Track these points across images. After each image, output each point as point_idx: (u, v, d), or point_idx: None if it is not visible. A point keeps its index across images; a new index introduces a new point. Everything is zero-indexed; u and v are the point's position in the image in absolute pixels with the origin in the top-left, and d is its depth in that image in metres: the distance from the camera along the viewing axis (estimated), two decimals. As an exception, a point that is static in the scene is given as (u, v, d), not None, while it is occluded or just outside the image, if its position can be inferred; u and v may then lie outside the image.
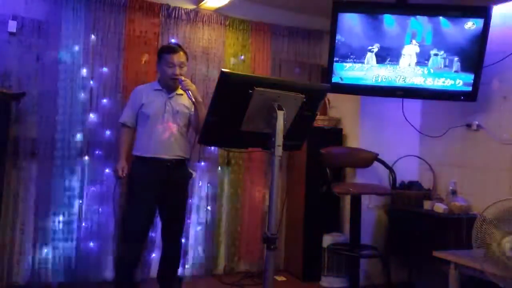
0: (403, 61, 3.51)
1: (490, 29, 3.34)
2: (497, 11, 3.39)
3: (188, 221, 3.87)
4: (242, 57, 4.09)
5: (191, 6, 3.90)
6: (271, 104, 1.80)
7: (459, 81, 3.48)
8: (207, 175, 3.97)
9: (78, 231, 3.52)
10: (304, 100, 1.89)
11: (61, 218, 3.45)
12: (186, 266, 3.87)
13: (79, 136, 3.51)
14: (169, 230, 3.13)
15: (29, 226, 3.40)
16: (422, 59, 3.50)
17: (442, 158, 3.89)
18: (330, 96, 4.19)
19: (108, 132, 3.57)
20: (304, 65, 4.36)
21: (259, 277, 3.90)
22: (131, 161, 3.10)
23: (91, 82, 3.56)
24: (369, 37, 3.52)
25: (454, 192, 3.58)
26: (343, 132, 4.18)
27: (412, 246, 3.57)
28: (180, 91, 3.11)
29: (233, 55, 4.06)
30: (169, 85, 3.07)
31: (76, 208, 3.51)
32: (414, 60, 3.50)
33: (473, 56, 3.41)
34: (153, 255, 3.68)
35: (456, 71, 3.45)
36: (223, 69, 1.84)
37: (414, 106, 3.99)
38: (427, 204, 3.57)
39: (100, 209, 3.58)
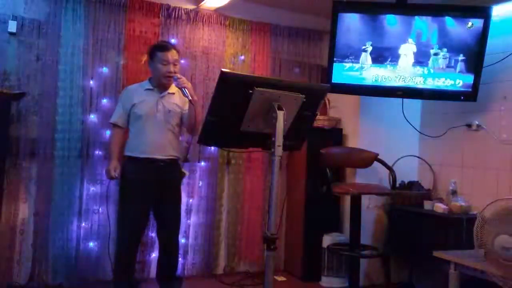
0: (402, 61, 3.51)
1: (490, 29, 3.33)
2: (497, 11, 3.39)
3: (188, 221, 3.88)
4: (242, 57, 4.09)
5: (191, 6, 3.90)
6: (271, 104, 1.80)
7: (459, 81, 3.48)
8: (207, 175, 3.97)
9: (78, 231, 3.52)
10: (304, 100, 1.89)
11: (61, 218, 3.45)
12: (186, 266, 3.88)
13: (79, 136, 3.51)
14: (165, 230, 3.11)
15: (29, 226, 3.40)
16: (422, 59, 3.50)
17: (442, 158, 3.89)
18: (330, 96, 4.19)
19: (108, 132, 3.57)
20: (304, 65, 4.36)
21: (259, 277, 3.90)
22: (123, 161, 3.06)
23: (91, 82, 3.56)
24: (369, 37, 3.52)
25: (454, 192, 3.58)
26: (343, 132, 4.18)
27: (412, 246, 3.57)
28: (172, 90, 3.09)
29: (233, 55, 4.06)
30: (162, 84, 3.03)
31: (76, 208, 3.51)
32: (412, 60, 3.50)
33: (473, 56, 3.41)
34: (153, 255, 3.69)
35: (460, 72, 3.45)
36: (223, 69, 1.84)
37: (414, 106, 3.99)
38: (427, 204, 3.57)
39: (99, 209, 3.57)
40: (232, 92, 1.81)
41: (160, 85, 3.05)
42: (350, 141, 4.10)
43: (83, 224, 3.54)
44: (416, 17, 3.47)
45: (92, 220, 3.56)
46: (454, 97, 3.53)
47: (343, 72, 3.57)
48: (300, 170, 4.07)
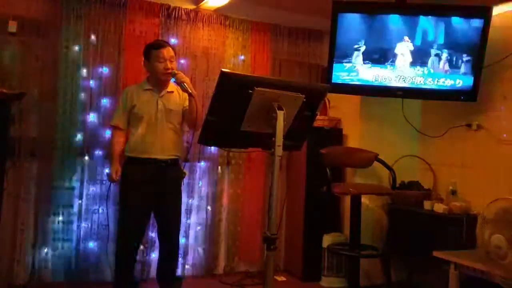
0: (399, 60, 3.51)
1: (490, 29, 3.33)
2: (497, 11, 3.39)
3: (188, 221, 3.88)
4: (242, 57, 4.09)
5: (191, 6, 3.89)
6: (271, 104, 1.80)
7: (459, 81, 3.48)
8: (207, 175, 3.97)
9: (78, 231, 3.52)
10: (304, 100, 1.89)
11: (61, 218, 3.45)
12: (186, 266, 3.88)
13: (79, 136, 3.51)
14: (166, 230, 3.11)
15: (29, 226, 3.40)
16: (422, 59, 3.49)
17: (442, 158, 3.89)
18: (330, 96, 4.19)
19: (108, 132, 3.57)
20: (304, 65, 4.36)
21: (259, 277, 3.90)
22: (123, 162, 3.05)
23: (91, 82, 3.56)
24: (369, 37, 3.52)
25: (454, 192, 3.58)
26: (343, 132, 4.18)
27: (412, 246, 3.57)
28: (170, 88, 3.08)
29: (233, 55, 4.06)
30: (161, 81, 3.02)
31: (76, 208, 3.51)
32: (410, 59, 3.50)
33: (473, 56, 3.41)
34: (153, 255, 3.69)
35: (460, 71, 3.45)
36: (223, 69, 1.83)
37: (414, 106, 3.99)
38: (427, 204, 3.57)
39: (100, 209, 3.58)
40: (232, 92, 1.81)
41: (159, 83, 3.04)
42: (350, 141, 4.10)
43: (83, 224, 3.54)
44: (416, 17, 3.47)
45: (92, 220, 3.56)
46: (454, 97, 3.53)
47: (343, 72, 3.57)
48: (300, 170, 4.07)
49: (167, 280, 3.15)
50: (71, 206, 3.49)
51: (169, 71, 2.97)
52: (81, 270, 3.51)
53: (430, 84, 3.52)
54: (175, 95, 3.09)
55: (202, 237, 3.95)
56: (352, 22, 3.51)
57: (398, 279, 3.88)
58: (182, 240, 3.79)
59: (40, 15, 3.41)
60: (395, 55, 3.51)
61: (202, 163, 3.96)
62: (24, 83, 3.35)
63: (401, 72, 3.53)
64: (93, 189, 3.57)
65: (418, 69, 3.51)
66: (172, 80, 3.04)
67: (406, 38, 3.49)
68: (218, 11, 3.97)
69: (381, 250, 3.78)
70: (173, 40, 3.79)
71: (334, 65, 3.56)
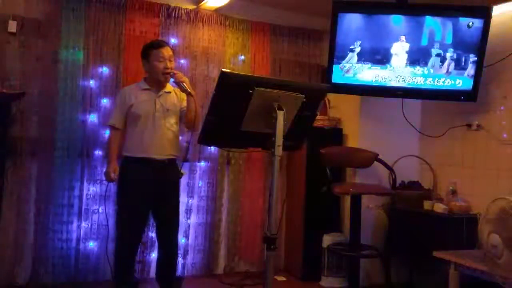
0: (398, 60, 3.51)
1: (490, 29, 3.33)
2: (497, 11, 3.39)
3: (188, 221, 3.88)
4: (242, 57, 4.09)
5: (191, 6, 3.90)
6: (271, 104, 1.80)
7: (459, 81, 3.48)
8: (207, 175, 3.97)
9: (78, 231, 3.52)
10: (304, 100, 1.89)
11: (61, 218, 3.45)
12: (186, 266, 3.88)
13: (79, 136, 3.51)
14: (164, 231, 3.10)
15: (29, 226, 3.40)
16: (422, 59, 3.49)
17: (442, 158, 3.89)
18: (330, 96, 4.19)
19: (108, 132, 3.56)
20: (304, 65, 4.36)
21: (259, 277, 3.90)
22: (121, 161, 3.04)
23: (91, 82, 3.56)
24: (369, 37, 3.52)
25: (454, 192, 3.58)
26: (343, 132, 4.18)
27: (412, 246, 3.57)
28: (168, 89, 3.08)
29: (233, 55, 4.06)
30: (160, 81, 3.02)
31: (76, 208, 3.51)
32: (409, 59, 3.49)
33: (473, 56, 3.41)
34: (153, 255, 3.68)
35: (464, 73, 3.45)
36: (223, 69, 1.84)
37: (414, 106, 3.99)
38: (427, 204, 3.57)
39: (99, 209, 3.58)
40: (232, 92, 1.81)
41: (157, 83, 3.04)
42: (350, 141, 4.10)
43: (83, 224, 3.54)
44: (416, 17, 3.47)
45: (92, 220, 3.56)
46: (454, 97, 3.54)
47: (343, 72, 3.57)
48: (300, 170, 4.07)
49: (166, 280, 3.15)
50: (71, 206, 3.49)
51: (169, 70, 2.97)
52: (81, 270, 3.51)
53: (430, 84, 3.52)
54: (173, 96, 3.08)
55: (202, 237, 3.95)
56: (352, 22, 3.51)
57: (398, 279, 3.88)
58: (182, 240, 3.79)
59: (40, 15, 3.41)
60: (394, 55, 3.51)
61: (202, 163, 3.96)
62: (24, 83, 3.35)
63: (401, 72, 3.53)
64: (93, 189, 3.57)
65: (418, 69, 3.51)
66: (171, 80, 3.04)
67: (406, 38, 3.49)
68: (218, 11, 3.97)
69: (381, 250, 3.77)
70: (173, 40, 3.79)
71: (334, 65, 3.56)
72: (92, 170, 3.57)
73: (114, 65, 3.62)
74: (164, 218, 3.08)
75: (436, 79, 3.50)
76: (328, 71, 3.60)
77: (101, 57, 3.59)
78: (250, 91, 1.77)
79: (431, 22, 3.46)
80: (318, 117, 3.82)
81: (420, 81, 3.52)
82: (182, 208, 3.72)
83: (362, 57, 3.54)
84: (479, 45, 3.38)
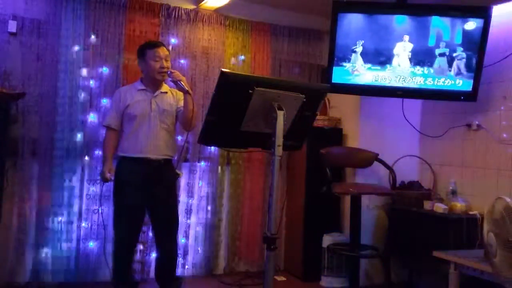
0: (400, 61, 3.51)
1: (490, 29, 3.33)
2: (497, 11, 3.39)
3: (188, 221, 3.87)
4: (242, 57, 4.09)
5: (191, 6, 3.89)
6: (271, 104, 1.80)
7: (459, 81, 3.48)
8: (207, 175, 3.97)
9: (78, 231, 3.52)
10: (304, 100, 1.89)
11: (61, 218, 3.45)
12: (186, 266, 3.88)
13: (79, 136, 3.51)
14: (162, 231, 3.09)
15: (29, 226, 3.40)
16: (423, 59, 3.49)
17: (442, 158, 3.89)
18: (330, 96, 4.19)
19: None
20: (304, 65, 4.36)
21: (259, 277, 3.90)
22: (116, 161, 3.04)
23: (91, 82, 3.56)
24: (368, 37, 3.52)
25: (454, 192, 3.58)
26: (343, 132, 4.18)
27: (412, 246, 3.57)
28: (164, 89, 3.08)
29: (233, 55, 4.06)
30: (156, 81, 3.02)
31: (76, 208, 3.51)
32: (409, 59, 3.49)
33: (473, 56, 3.41)
34: (153, 255, 3.68)
35: (460, 71, 3.45)
36: (223, 69, 1.84)
37: (414, 106, 3.99)
38: (427, 204, 3.57)
39: (99, 209, 3.57)
40: (232, 92, 1.81)
41: (153, 83, 3.03)
42: (350, 141, 4.10)
43: (83, 224, 3.54)
44: (416, 17, 3.47)
45: (92, 220, 3.56)
46: (454, 97, 3.54)
47: (342, 72, 3.57)
48: (300, 170, 4.07)
49: (166, 281, 3.15)
50: (71, 206, 3.49)
51: (165, 70, 2.98)
52: (81, 270, 3.50)
53: (430, 84, 3.52)
54: (169, 96, 3.08)
55: (202, 237, 3.95)
56: (352, 22, 3.51)
57: (398, 279, 3.88)
58: (182, 240, 3.79)
59: (40, 15, 3.41)
60: (395, 55, 3.51)
61: (202, 163, 3.96)
62: (24, 83, 3.35)
63: (401, 72, 3.53)
64: (93, 189, 3.57)
65: (418, 69, 3.51)
66: (168, 79, 3.04)
67: (406, 37, 3.49)
68: (218, 11, 3.97)
69: (381, 250, 3.78)
70: (173, 40, 3.79)
71: (335, 66, 3.56)
72: (92, 170, 3.57)
73: (114, 65, 3.62)
74: (160, 218, 3.07)
75: (436, 79, 3.50)
76: (328, 71, 3.60)
77: (101, 57, 3.58)
78: (250, 91, 1.77)
79: (431, 22, 3.46)
80: (318, 117, 3.82)
81: (420, 81, 3.52)
82: (182, 208, 3.73)
83: (363, 58, 3.54)
84: (479, 45, 3.38)
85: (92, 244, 3.56)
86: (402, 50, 3.50)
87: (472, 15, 3.38)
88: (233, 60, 4.06)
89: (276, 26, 4.21)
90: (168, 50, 3.08)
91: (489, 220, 2.43)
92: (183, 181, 3.81)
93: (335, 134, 4.14)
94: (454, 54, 3.45)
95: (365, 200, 3.74)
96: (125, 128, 3.02)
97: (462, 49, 3.44)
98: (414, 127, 3.98)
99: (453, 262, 2.92)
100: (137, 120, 2.96)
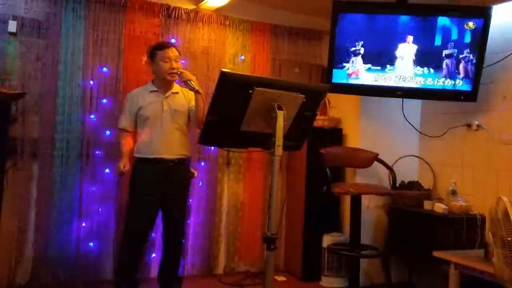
0: (401, 61, 3.51)
1: (490, 29, 3.33)
2: (497, 11, 3.39)
3: (188, 221, 3.87)
4: (242, 57, 4.09)
5: (191, 6, 3.89)
6: (271, 104, 1.80)
7: (459, 81, 3.48)
8: (207, 175, 3.97)
9: (78, 231, 3.52)
10: (304, 100, 1.89)
11: (61, 218, 3.45)
12: (186, 266, 3.88)
13: (79, 136, 3.51)
14: (172, 231, 3.13)
15: (29, 226, 3.40)
16: (424, 59, 3.49)
17: (442, 158, 3.89)
18: (330, 96, 4.19)
19: (108, 132, 3.57)
20: (304, 65, 4.36)
21: (259, 277, 3.90)
22: (133, 163, 3.08)
23: (91, 82, 3.56)
24: (369, 38, 3.52)
25: (454, 192, 3.58)
26: (343, 132, 4.18)
27: (412, 246, 3.57)
28: (175, 89, 3.11)
29: (233, 55, 4.06)
30: (167, 82, 3.05)
31: (76, 208, 3.51)
32: (410, 59, 3.49)
33: (473, 56, 3.41)
34: (153, 255, 3.69)
35: (460, 71, 3.45)
36: (223, 69, 1.84)
37: (414, 106, 3.99)
38: (427, 204, 3.57)
39: (100, 209, 3.58)
40: (232, 92, 1.81)
41: (164, 84, 3.07)
42: (350, 141, 4.10)
43: (83, 224, 3.54)
44: (416, 17, 3.47)
45: (92, 220, 3.56)
46: (454, 97, 3.53)
47: (342, 72, 3.57)
48: (300, 170, 4.07)
49: (169, 279, 3.16)
50: (71, 206, 3.49)
51: (175, 70, 3.01)
52: (81, 270, 3.50)
53: (430, 84, 3.52)
54: (180, 96, 3.12)
55: (202, 237, 3.94)
56: (352, 22, 3.51)
57: (398, 279, 3.88)
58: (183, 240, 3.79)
59: (40, 15, 3.41)
60: (395, 56, 3.51)
61: (202, 163, 3.96)
62: (24, 83, 3.35)
63: (401, 72, 3.53)
64: (93, 189, 3.57)
65: (419, 69, 3.51)
66: (177, 81, 3.06)
67: (406, 38, 3.49)
68: (218, 11, 3.97)
69: (381, 250, 3.78)
70: (173, 40, 3.78)
71: (335, 66, 3.56)
72: (92, 170, 3.57)
73: (114, 65, 3.62)
74: (172, 218, 3.11)
75: (436, 79, 3.50)
76: (328, 71, 3.60)
77: (101, 57, 3.58)
78: (250, 91, 1.78)
79: (432, 22, 3.46)
80: (318, 117, 3.83)
81: (420, 81, 3.52)
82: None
83: (364, 58, 3.54)
84: (479, 45, 3.38)
85: (92, 244, 3.55)
86: (403, 50, 3.50)
87: (472, 15, 3.38)
88: (233, 60, 4.06)
89: (276, 26, 4.21)
90: (178, 51, 3.11)
91: (489, 220, 2.44)
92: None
93: (335, 134, 4.14)
94: (455, 54, 3.45)
95: (365, 200, 3.74)
96: (139, 130, 3.07)
97: (462, 48, 3.43)
98: (414, 127, 3.98)
99: (453, 262, 2.92)
100: (150, 121, 3.01)
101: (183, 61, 3.83)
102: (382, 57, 3.53)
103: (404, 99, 3.75)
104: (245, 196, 4.10)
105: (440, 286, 3.21)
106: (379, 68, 3.54)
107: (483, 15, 3.34)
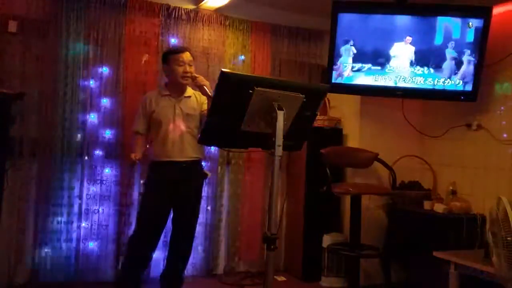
0: (401, 61, 3.51)
1: (490, 29, 3.33)
2: (497, 11, 3.39)
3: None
4: (242, 57, 4.09)
5: (191, 6, 3.89)
6: (271, 104, 1.80)
7: (459, 81, 3.48)
8: (207, 175, 3.97)
9: (78, 231, 3.52)
10: (304, 100, 1.89)
11: (61, 218, 3.45)
12: (186, 266, 3.87)
13: (79, 136, 3.51)
14: (181, 231, 3.13)
15: (29, 226, 3.40)
16: (424, 59, 3.49)
17: (442, 158, 3.89)
18: (330, 96, 4.19)
19: (108, 132, 3.57)
20: (304, 65, 4.36)
21: (259, 277, 3.90)
22: (148, 166, 3.14)
23: (91, 82, 3.56)
24: (368, 38, 3.52)
25: (454, 192, 3.58)
26: (343, 132, 4.18)
27: (412, 246, 3.57)
28: (188, 93, 3.15)
29: (233, 55, 4.06)
30: (180, 85, 3.09)
31: (76, 208, 3.51)
32: (409, 59, 3.49)
33: (473, 56, 3.41)
34: (153, 255, 3.68)
35: (460, 71, 3.44)
36: (223, 69, 1.83)
37: (414, 106, 3.99)
38: (427, 204, 3.57)
39: (100, 209, 3.58)
40: (232, 92, 1.81)
41: (177, 88, 3.10)
42: (350, 141, 4.10)
43: (83, 224, 3.54)
44: (416, 17, 3.47)
45: (92, 220, 3.56)
46: (454, 97, 3.53)
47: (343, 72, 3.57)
48: (300, 170, 4.07)
49: (173, 280, 3.16)
50: (71, 206, 3.49)
51: (188, 74, 3.04)
52: (81, 270, 3.51)
53: (430, 84, 3.52)
54: (193, 100, 3.15)
55: (202, 237, 3.94)
56: (352, 22, 3.51)
57: (398, 279, 3.88)
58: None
59: (40, 15, 3.41)
60: (396, 56, 3.51)
61: (202, 163, 3.95)
62: (24, 83, 3.35)
63: (401, 72, 3.53)
64: (93, 189, 3.57)
65: (418, 69, 3.51)
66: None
67: (407, 38, 3.49)
68: (218, 11, 3.97)
69: (381, 250, 3.78)
70: (173, 40, 3.79)
71: (334, 65, 3.56)
72: (92, 170, 3.57)
73: (114, 65, 3.62)
74: (183, 219, 3.12)
75: (436, 79, 3.50)
76: (328, 71, 3.60)
77: (101, 57, 3.58)
78: (250, 91, 1.77)
79: (432, 23, 3.46)
80: (318, 117, 3.83)
81: (420, 81, 3.52)
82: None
83: (363, 58, 3.54)
84: (479, 45, 3.38)
85: (92, 244, 3.55)
86: (402, 50, 3.50)
87: (473, 15, 3.38)
88: (233, 60, 4.06)
89: (276, 26, 4.21)
90: (192, 55, 3.14)
91: (489, 220, 2.44)
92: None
93: (335, 134, 4.14)
94: (454, 54, 3.45)
95: (365, 200, 3.74)
96: (153, 134, 3.10)
97: (462, 48, 3.43)
98: (414, 127, 3.98)
99: (453, 262, 2.92)
100: (163, 125, 3.04)
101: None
102: (382, 57, 3.53)
103: (404, 99, 3.75)
104: (245, 196, 4.10)
105: (440, 286, 3.21)
106: (379, 68, 3.54)
107: (483, 15, 3.34)
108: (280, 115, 1.78)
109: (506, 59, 3.37)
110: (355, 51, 3.53)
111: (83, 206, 3.54)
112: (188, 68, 3.05)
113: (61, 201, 3.45)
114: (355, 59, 3.54)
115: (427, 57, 3.49)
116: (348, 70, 3.55)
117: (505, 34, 3.40)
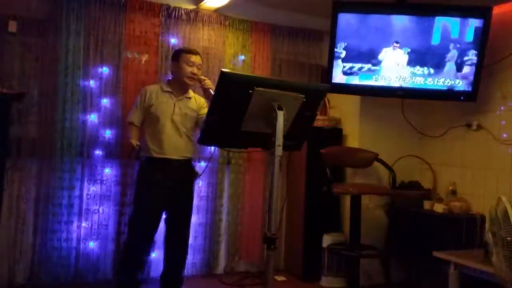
0: (402, 61, 3.51)
1: (490, 29, 3.33)
2: (497, 11, 3.39)
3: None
4: (242, 57, 4.09)
5: (191, 6, 3.89)
6: (271, 104, 1.80)
7: (459, 81, 3.49)
8: (207, 175, 3.97)
9: (78, 231, 3.52)
10: (304, 100, 1.89)
11: (61, 218, 3.45)
12: (186, 266, 3.86)
13: (79, 136, 3.51)
14: (176, 231, 3.15)
15: (29, 226, 3.40)
16: (423, 58, 3.49)
17: (442, 158, 3.89)
18: (330, 96, 4.19)
19: (108, 132, 3.57)
20: (304, 65, 4.36)
21: (259, 277, 3.90)
22: (140, 162, 3.14)
23: (91, 82, 3.56)
24: (368, 38, 3.52)
25: (454, 192, 3.58)
26: (343, 132, 4.18)
27: (412, 246, 3.57)
28: (188, 94, 3.17)
29: (233, 55, 4.06)
30: (184, 84, 3.11)
31: (76, 208, 3.51)
32: (409, 59, 3.49)
33: (473, 56, 3.41)
34: (153, 255, 3.68)
35: (464, 73, 3.44)
36: (223, 69, 1.84)
37: (414, 106, 3.99)
38: (427, 204, 3.58)
39: (100, 209, 3.58)
40: (232, 92, 1.81)
41: (180, 87, 3.12)
42: (350, 141, 4.10)
43: (83, 224, 3.54)
44: (416, 17, 3.47)
45: (92, 220, 3.56)
46: (454, 97, 3.53)
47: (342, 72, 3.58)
48: (300, 170, 4.07)
49: (173, 280, 3.17)
50: (71, 206, 3.48)
51: (195, 76, 3.08)
52: (81, 270, 3.50)
53: (430, 84, 3.52)
54: (192, 101, 3.18)
55: (202, 237, 3.94)
56: (352, 22, 3.51)
57: (398, 279, 3.88)
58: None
59: (40, 15, 3.41)
60: (395, 56, 3.51)
61: (202, 163, 3.95)
62: (24, 83, 3.35)
63: (401, 72, 3.53)
64: (93, 189, 3.57)
65: (418, 69, 3.51)
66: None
67: (406, 38, 3.49)
68: (218, 11, 3.97)
69: (381, 250, 3.78)
70: (173, 40, 3.78)
71: (334, 65, 3.56)
72: (92, 170, 3.57)
73: (114, 65, 3.62)
74: (176, 219, 3.14)
75: (436, 79, 3.51)
76: (328, 71, 3.60)
77: (101, 57, 3.58)
78: (250, 91, 1.77)
79: (432, 23, 3.46)
80: (318, 117, 3.83)
81: (420, 81, 3.53)
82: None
83: (363, 58, 3.54)
84: (479, 45, 3.38)
85: (92, 244, 3.55)
86: (405, 50, 3.50)
87: (473, 15, 3.38)
88: (233, 60, 4.06)
89: (276, 26, 4.21)
90: (202, 60, 3.20)
91: (489, 220, 2.44)
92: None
93: (335, 134, 4.14)
94: (455, 54, 3.45)
95: (365, 200, 3.74)
96: (148, 128, 3.10)
97: (462, 48, 3.43)
98: (414, 127, 3.98)
99: (453, 262, 2.92)
100: (160, 122, 3.05)
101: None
102: (379, 57, 3.53)
103: (404, 99, 3.76)
104: (245, 196, 4.10)
105: (440, 286, 3.21)
106: (379, 68, 3.54)
107: (483, 15, 3.35)
108: (280, 115, 1.78)
109: (506, 59, 3.37)
110: (354, 52, 3.53)
111: (83, 206, 3.54)
112: (196, 70, 3.09)
113: (61, 201, 3.44)
114: (355, 59, 3.54)
115: (427, 57, 3.49)
116: (359, 69, 3.55)
117: (505, 34, 3.40)
